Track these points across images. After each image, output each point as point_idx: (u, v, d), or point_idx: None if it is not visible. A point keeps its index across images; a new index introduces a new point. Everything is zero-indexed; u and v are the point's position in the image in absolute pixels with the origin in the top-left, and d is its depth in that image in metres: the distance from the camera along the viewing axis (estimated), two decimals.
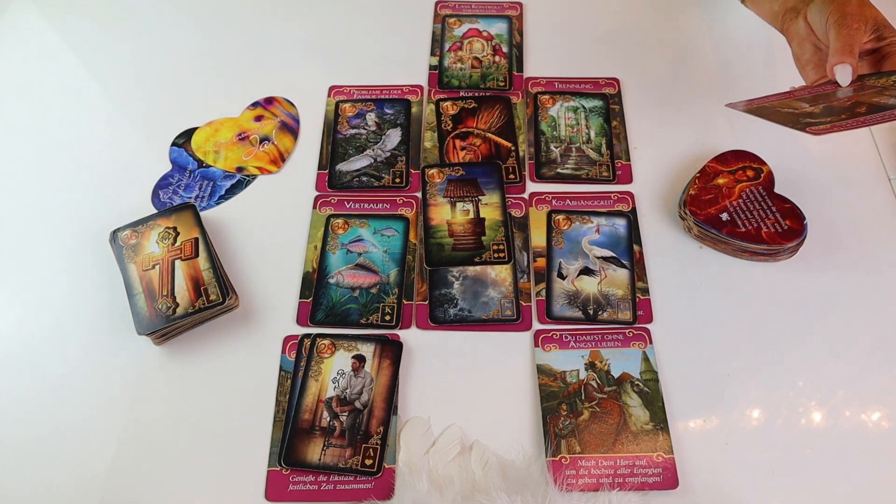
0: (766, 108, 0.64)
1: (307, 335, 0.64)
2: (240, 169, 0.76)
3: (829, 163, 0.74)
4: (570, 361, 0.63)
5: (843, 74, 0.60)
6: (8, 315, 0.67)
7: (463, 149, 0.76)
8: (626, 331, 0.64)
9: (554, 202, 0.72)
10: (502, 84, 0.81)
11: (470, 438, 0.60)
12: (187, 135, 0.78)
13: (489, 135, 0.77)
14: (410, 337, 0.65)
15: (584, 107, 0.79)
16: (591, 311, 0.66)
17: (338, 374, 0.62)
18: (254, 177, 0.76)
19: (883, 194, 0.72)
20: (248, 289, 0.68)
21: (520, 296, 0.67)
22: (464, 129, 0.78)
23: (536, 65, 0.83)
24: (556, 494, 0.55)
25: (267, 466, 0.59)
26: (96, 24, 0.89)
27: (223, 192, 0.74)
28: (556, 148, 0.76)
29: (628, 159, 0.75)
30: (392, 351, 0.63)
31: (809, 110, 0.61)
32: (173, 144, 0.78)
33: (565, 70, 0.82)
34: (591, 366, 0.63)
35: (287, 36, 0.87)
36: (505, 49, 0.85)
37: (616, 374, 0.62)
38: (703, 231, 0.68)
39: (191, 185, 0.75)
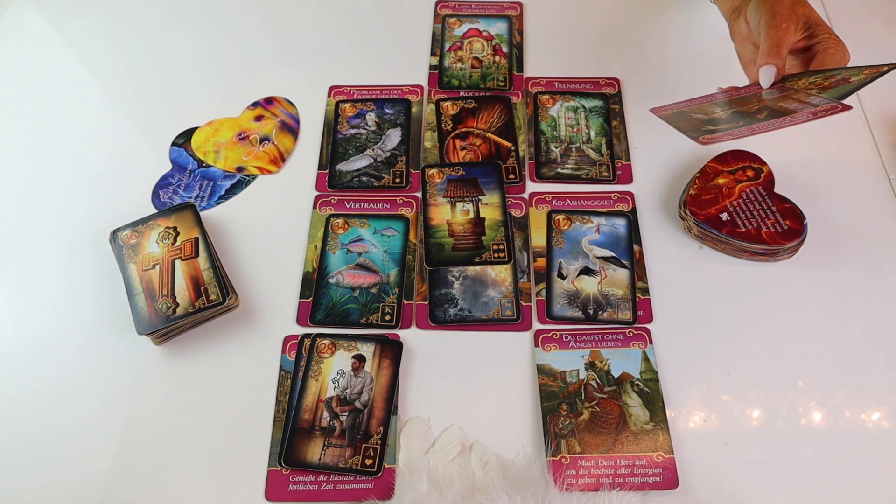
0: (680, 115, 0.65)
1: (307, 335, 0.64)
2: (240, 169, 0.76)
3: (829, 163, 0.74)
4: (570, 361, 0.63)
5: (766, 76, 0.62)
6: (8, 315, 0.67)
7: (463, 149, 0.76)
8: (626, 331, 0.64)
9: (554, 202, 0.72)
10: (502, 84, 0.81)
11: (470, 438, 0.60)
12: (187, 135, 0.78)
13: (489, 135, 0.77)
14: (410, 337, 0.65)
15: (584, 107, 0.79)
16: (591, 311, 0.66)
17: (338, 373, 0.62)
18: (254, 177, 0.76)
19: (883, 194, 0.72)
20: (248, 289, 0.68)
21: (520, 296, 0.67)
22: (464, 129, 0.78)
23: (536, 65, 0.83)
24: (556, 494, 0.55)
25: (267, 466, 0.59)
26: (96, 24, 0.89)
27: (223, 192, 0.74)
28: (556, 148, 0.76)
29: (628, 159, 0.75)
30: (392, 351, 0.63)
31: (718, 115, 0.62)
32: (173, 144, 0.78)
33: (565, 70, 0.82)
34: (591, 366, 0.63)
35: (287, 36, 0.87)
36: (505, 49, 0.85)
37: (616, 374, 0.62)
38: (703, 231, 0.68)
39: (191, 185, 0.75)
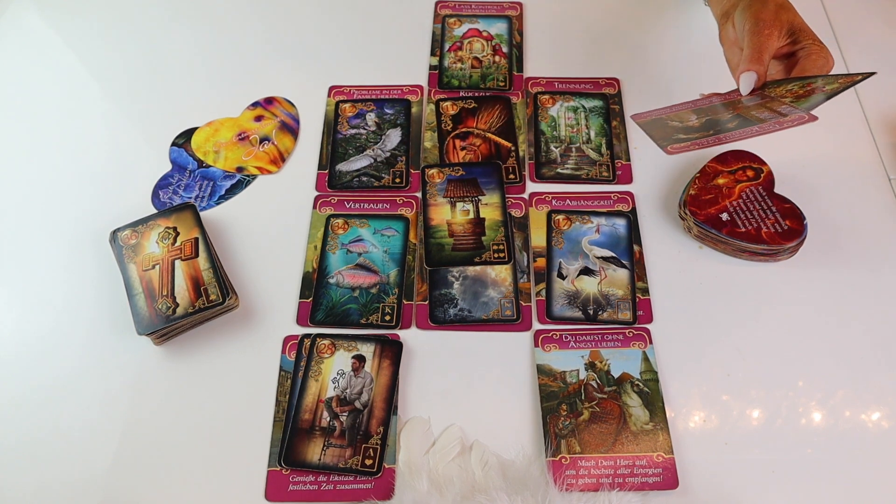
0: (657, 122, 0.65)
1: (307, 335, 0.64)
2: (240, 169, 0.76)
3: (829, 163, 0.74)
4: (570, 361, 0.63)
5: (746, 83, 0.62)
6: (8, 315, 0.67)
7: (463, 149, 0.76)
8: (626, 331, 0.64)
9: (554, 202, 0.72)
10: (502, 84, 0.81)
11: (470, 438, 0.60)
12: (187, 135, 0.78)
13: (489, 135, 0.77)
14: (410, 337, 0.65)
15: (584, 107, 0.79)
16: (591, 311, 0.66)
17: (338, 374, 0.62)
18: (254, 177, 0.76)
19: (883, 194, 0.72)
20: (248, 289, 0.68)
21: (520, 296, 0.67)
22: (464, 129, 0.78)
23: (536, 65, 0.83)
24: (556, 494, 0.55)
25: (267, 466, 0.59)
26: (96, 24, 0.89)
27: (223, 192, 0.74)
28: (556, 148, 0.76)
29: (628, 159, 0.75)
30: (392, 351, 0.63)
31: (692, 123, 0.62)
32: (173, 144, 0.78)
33: (565, 70, 0.82)
34: (591, 366, 0.63)
35: (287, 36, 0.87)
36: (505, 49, 0.85)
37: (616, 374, 0.62)
38: (703, 231, 0.68)
39: (191, 185, 0.75)
